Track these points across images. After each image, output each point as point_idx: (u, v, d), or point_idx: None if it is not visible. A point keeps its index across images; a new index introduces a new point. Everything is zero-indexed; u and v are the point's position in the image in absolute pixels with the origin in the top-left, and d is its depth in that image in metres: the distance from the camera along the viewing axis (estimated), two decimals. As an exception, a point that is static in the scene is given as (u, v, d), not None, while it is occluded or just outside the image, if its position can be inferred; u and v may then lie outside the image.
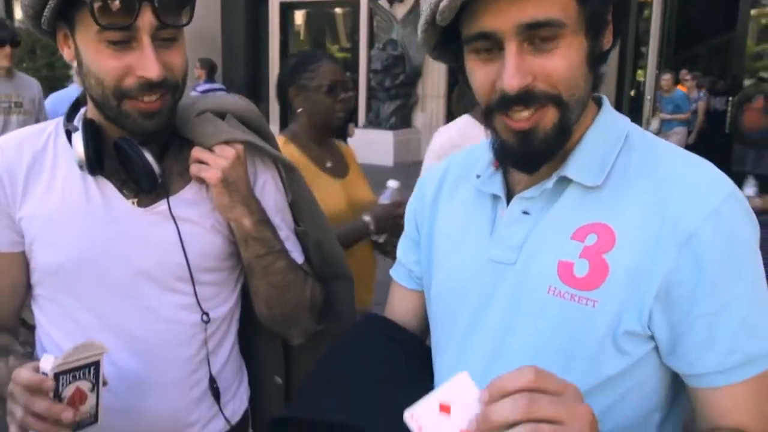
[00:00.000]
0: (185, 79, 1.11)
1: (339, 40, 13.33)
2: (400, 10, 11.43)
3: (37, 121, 3.64)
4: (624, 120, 0.93)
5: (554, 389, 0.66)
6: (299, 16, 13.51)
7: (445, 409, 0.67)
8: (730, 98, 9.30)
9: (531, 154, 0.85)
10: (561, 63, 0.81)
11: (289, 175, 1.28)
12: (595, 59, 0.85)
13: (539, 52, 0.80)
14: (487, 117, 0.87)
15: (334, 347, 1.04)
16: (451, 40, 0.88)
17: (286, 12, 13.23)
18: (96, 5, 0.97)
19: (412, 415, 0.67)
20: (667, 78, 8.95)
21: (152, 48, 1.02)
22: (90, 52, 1.04)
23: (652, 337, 0.83)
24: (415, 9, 11.14)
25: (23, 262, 1.14)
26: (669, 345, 0.82)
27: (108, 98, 1.05)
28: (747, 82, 9.50)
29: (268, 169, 1.25)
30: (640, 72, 10.37)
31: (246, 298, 1.28)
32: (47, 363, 0.93)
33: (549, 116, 0.82)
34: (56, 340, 1.14)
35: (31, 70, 14.72)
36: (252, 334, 1.33)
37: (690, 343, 0.81)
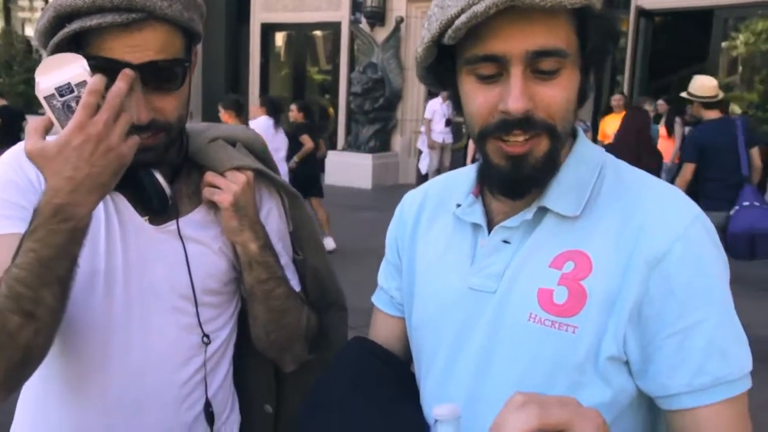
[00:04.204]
0: (181, 118, 1.13)
1: (319, 63, 13.43)
2: (380, 34, 11.54)
3: None
4: (599, 150, 0.97)
5: (557, 401, 0.65)
6: (280, 38, 13.58)
7: None
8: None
9: (521, 179, 0.87)
10: (560, 93, 0.84)
11: (292, 203, 1.32)
12: (583, 94, 0.89)
13: (540, 81, 0.83)
14: (479, 141, 0.89)
15: (327, 370, 1.05)
16: (444, 60, 0.89)
17: (267, 33, 13.30)
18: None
19: None
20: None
21: (142, 96, 1.04)
22: None
23: (627, 362, 0.85)
24: (395, 33, 11.28)
25: None
26: (640, 366, 0.84)
27: None
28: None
29: (273, 198, 1.30)
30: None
31: (240, 325, 1.29)
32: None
33: (542, 145, 0.85)
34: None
35: (8, 86, 14.57)
36: (245, 362, 1.34)
37: (660, 362, 0.83)
